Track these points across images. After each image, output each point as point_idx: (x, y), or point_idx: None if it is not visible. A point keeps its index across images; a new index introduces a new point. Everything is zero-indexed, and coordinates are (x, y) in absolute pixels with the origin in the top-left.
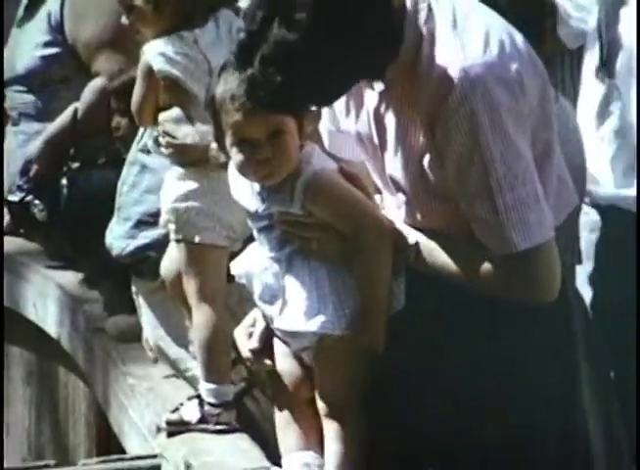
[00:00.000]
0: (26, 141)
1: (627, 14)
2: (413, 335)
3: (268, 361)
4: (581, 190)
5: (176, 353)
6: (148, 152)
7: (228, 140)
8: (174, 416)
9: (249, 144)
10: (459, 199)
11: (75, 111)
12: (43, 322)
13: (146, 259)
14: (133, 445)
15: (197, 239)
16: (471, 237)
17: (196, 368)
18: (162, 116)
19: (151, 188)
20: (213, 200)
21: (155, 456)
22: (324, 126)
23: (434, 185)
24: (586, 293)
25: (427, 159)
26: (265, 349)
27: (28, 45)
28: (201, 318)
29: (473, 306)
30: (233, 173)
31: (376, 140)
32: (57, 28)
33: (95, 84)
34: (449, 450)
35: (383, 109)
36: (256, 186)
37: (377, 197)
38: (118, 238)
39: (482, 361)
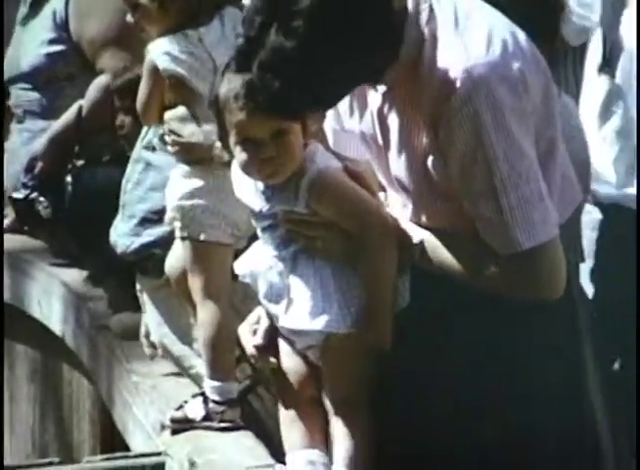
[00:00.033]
0: (31, 138)
1: (629, 15)
2: (418, 333)
3: (273, 359)
4: (586, 186)
5: (180, 351)
6: (152, 149)
7: (232, 139)
8: (178, 414)
9: (252, 143)
10: (463, 198)
11: (80, 108)
12: (47, 320)
13: (150, 257)
14: (137, 442)
15: (202, 237)
16: (475, 236)
17: (200, 366)
18: (168, 114)
19: (155, 186)
20: (219, 197)
21: (159, 454)
22: (328, 125)
23: (437, 185)
24: (588, 291)
25: (430, 159)
26: (270, 346)
27: (33, 43)
28: (205, 316)
29: (477, 305)
30: (236, 172)
31: (380, 140)
32: (62, 26)
33: (100, 82)
34: (455, 451)
35: (386, 109)
36: (260, 185)
37: (381, 195)
38: (123, 235)
39: (487, 360)
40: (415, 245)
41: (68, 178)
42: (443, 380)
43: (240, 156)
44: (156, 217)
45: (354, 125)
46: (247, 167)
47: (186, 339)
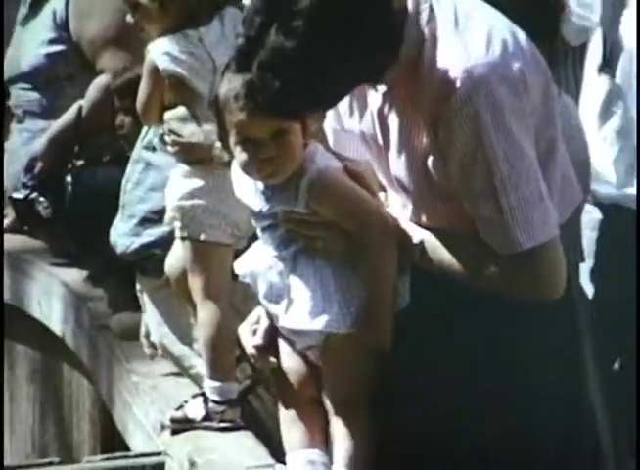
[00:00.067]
0: (31, 139)
1: (629, 15)
2: (418, 333)
3: (273, 359)
4: (586, 186)
5: (180, 351)
6: (152, 149)
7: (232, 139)
8: (178, 414)
9: (252, 143)
10: (463, 198)
11: (80, 108)
12: (47, 320)
13: (150, 257)
14: (137, 442)
15: (202, 237)
16: (475, 236)
17: (200, 366)
18: (168, 114)
19: (155, 186)
20: (219, 197)
21: (159, 454)
22: (328, 125)
23: (437, 185)
24: (588, 291)
25: (430, 159)
26: (270, 346)
27: (33, 43)
28: (205, 316)
29: (477, 305)
30: (236, 172)
31: (380, 140)
32: (62, 26)
33: (100, 82)
34: (455, 451)
35: (386, 109)
36: (260, 185)
37: (381, 195)
38: (123, 236)
39: (487, 360)
40: (415, 245)
41: (68, 178)
42: (443, 380)
43: (240, 156)
44: (156, 217)
45: (354, 125)
46: (247, 167)
47: (186, 339)
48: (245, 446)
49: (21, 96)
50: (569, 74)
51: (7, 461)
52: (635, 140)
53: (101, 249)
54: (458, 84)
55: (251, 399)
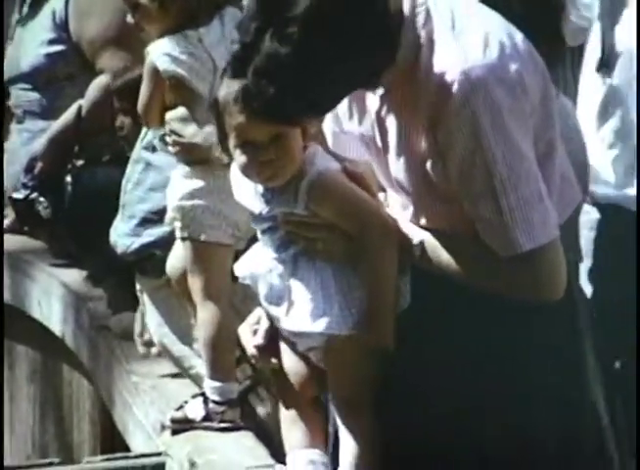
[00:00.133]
0: (31, 139)
1: (628, 15)
2: (419, 333)
3: (273, 359)
4: (584, 187)
5: (180, 351)
6: (152, 149)
7: (231, 142)
8: (179, 414)
9: (252, 146)
10: (462, 200)
11: (80, 108)
12: (47, 320)
13: (150, 257)
14: (137, 442)
15: (202, 237)
16: (475, 237)
17: (200, 366)
18: (169, 114)
19: (155, 186)
20: (219, 198)
21: (159, 454)
22: (328, 126)
23: (437, 187)
24: (586, 291)
25: (429, 161)
26: (270, 346)
27: (33, 43)
28: (205, 316)
29: (478, 305)
30: (236, 175)
31: (379, 142)
32: (61, 26)
33: (99, 82)
34: (456, 451)
35: (384, 112)
36: (260, 188)
37: (381, 195)
38: (123, 236)
39: (488, 360)
40: (415, 245)
41: (68, 178)
42: (444, 380)
43: (239, 158)
44: (156, 218)
45: (353, 127)
46: (246, 170)
47: (186, 339)
48: (245, 446)
49: (20, 96)
50: (567, 75)
51: (7, 462)
52: (634, 140)
53: (101, 249)
54: (456, 87)
55: (251, 399)
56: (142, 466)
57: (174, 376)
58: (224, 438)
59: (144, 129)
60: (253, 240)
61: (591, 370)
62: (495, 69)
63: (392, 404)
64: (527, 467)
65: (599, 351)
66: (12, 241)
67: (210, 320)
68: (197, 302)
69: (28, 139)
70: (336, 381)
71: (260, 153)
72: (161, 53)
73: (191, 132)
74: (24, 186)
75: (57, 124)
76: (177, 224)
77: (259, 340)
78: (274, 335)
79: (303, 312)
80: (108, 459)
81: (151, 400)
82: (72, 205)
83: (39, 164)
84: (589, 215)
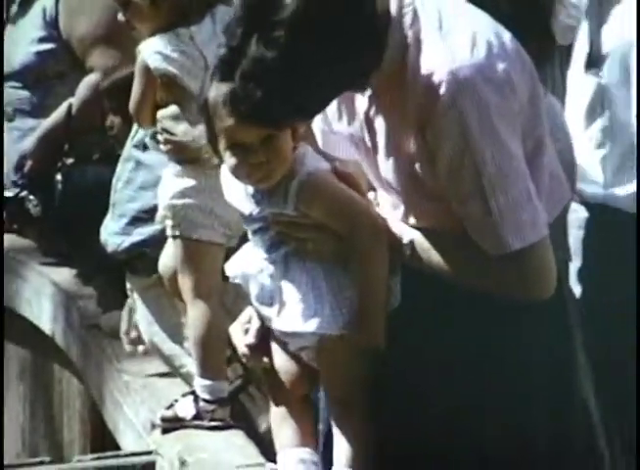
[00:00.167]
0: (21, 137)
1: (619, 12)
2: (410, 332)
3: (264, 358)
4: (572, 186)
5: (171, 350)
6: (143, 148)
7: (221, 144)
8: (169, 413)
9: (242, 148)
10: (451, 199)
11: (70, 107)
12: (37, 319)
13: (141, 256)
14: (128, 441)
15: (194, 236)
16: (465, 236)
17: (191, 365)
18: (161, 113)
19: (146, 184)
20: (211, 197)
21: (149, 453)
22: (317, 126)
23: (426, 187)
24: (575, 289)
25: (418, 161)
26: (261, 345)
27: (23, 41)
28: (196, 315)
29: (469, 304)
30: (226, 176)
31: (368, 143)
32: (52, 24)
33: (89, 80)
34: (447, 450)
35: (373, 113)
36: (250, 189)
37: (371, 195)
38: (113, 234)
39: (479, 359)
40: (405, 245)
41: (58, 177)
42: (435, 379)
43: (229, 161)
44: (146, 216)
45: (343, 128)
46: (236, 172)
47: (176, 338)
48: (235, 444)
49: (11, 94)
50: (555, 74)
51: None
52: (623, 140)
53: (91, 247)
54: (443, 87)
55: (241, 398)
56: (132, 465)
57: (165, 375)
58: (215, 436)
59: (134, 128)
60: (245, 239)
61: (581, 368)
62: (483, 68)
63: (385, 404)
64: (519, 464)
65: (589, 349)
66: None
67: (201, 319)
68: (187, 300)
69: (18, 137)
70: (328, 381)
71: (250, 155)
72: (153, 51)
73: (182, 130)
74: (14, 184)
75: (47, 123)
76: (168, 223)
77: (251, 339)
78: (265, 334)
79: (295, 313)
80: (98, 458)
81: (141, 399)
82: (62, 203)
83: (29, 163)
84: (577, 214)
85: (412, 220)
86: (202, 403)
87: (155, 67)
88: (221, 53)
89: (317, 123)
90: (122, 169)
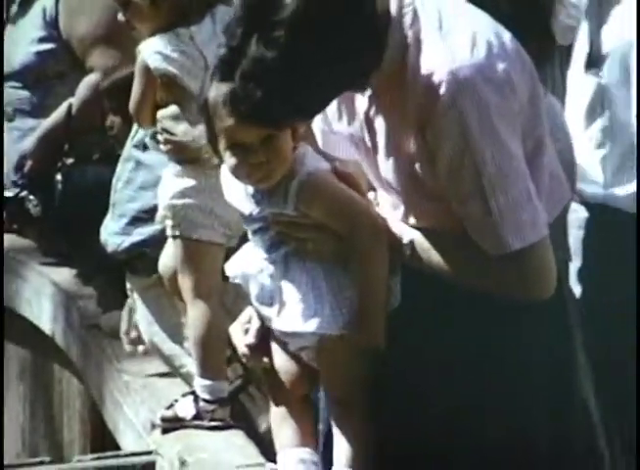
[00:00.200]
0: (21, 137)
1: (619, 12)
2: (410, 332)
3: (264, 358)
4: (572, 186)
5: (171, 350)
6: (143, 148)
7: (221, 144)
8: (169, 413)
9: (242, 148)
10: (451, 199)
11: (70, 107)
12: (37, 319)
13: (141, 256)
14: (128, 441)
15: (194, 236)
16: (465, 236)
17: (191, 365)
18: (161, 113)
19: (146, 184)
20: (211, 197)
21: (149, 453)
22: (317, 125)
23: (426, 187)
24: (575, 289)
25: (418, 161)
26: (261, 345)
27: (23, 41)
28: (196, 314)
29: (469, 304)
30: (226, 176)
31: (368, 143)
32: (52, 24)
33: (89, 80)
34: (447, 450)
35: (373, 113)
36: (250, 189)
37: (371, 194)
38: (113, 234)
39: (479, 359)
40: (405, 245)
41: (59, 177)
42: (435, 379)
43: (229, 161)
44: (146, 216)
45: (343, 128)
46: (236, 172)
47: (177, 338)
48: (235, 444)
49: (11, 94)
50: (555, 74)
51: None
52: (623, 140)
53: (91, 247)
54: (443, 87)
55: (242, 398)
56: (132, 465)
57: (164, 375)
58: (214, 436)
59: (134, 128)
60: (245, 239)
61: (582, 368)
62: (483, 68)
63: (386, 404)
64: (519, 464)
65: (589, 349)
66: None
67: (201, 319)
68: (187, 300)
69: (18, 137)
70: (328, 380)
71: (250, 155)
72: (153, 51)
73: (182, 130)
74: (14, 184)
75: (47, 122)
76: (168, 223)
77: (251, 339)
78: (265, 334)
79: (295, 313)
80: (98, 458)
81: (141, 399)
82: (62, 203)
83: (29, 163)
84: (577, 214)
85: (412, 220)
86: (202, 403)
87: (155, 67)
88: (221, 53)
89: (317, 123)
90: (122, 169)
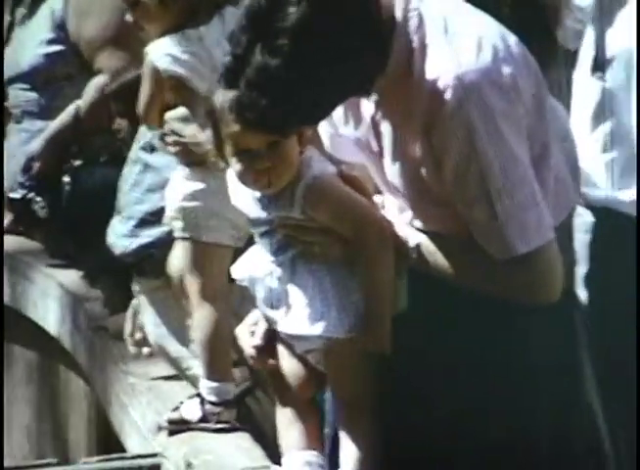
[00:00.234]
0: (29, 139)
1: (625, 16)
2: (416, 336)
3: (271, 360)
4: (576, 190)
5: (178, 352)
6: (150, 150)
7: (228, 150)
8: (175, 415)
9: (248, 154)
10: (457, 203)
11: (77, 108)
12: (44, 321)
13: (148, 258)
14: (134, 443)
15: (203, 238)
16: (471, 240)
17: (197, 367)
18: (169, 114)
19: (153, 187)
20: (219, 199)
21: (155, 455)
22: (324, 129)
23: (432, 191)
24: (581, 293)
25: (424, 166)
26: (268, 347)
27: (32, 43)
28: (202, 316)
29: (474, 308)
30: (232, 181)
31: (374, 147)
32: (60, 26)
33: (97, 82)
34: (452, 453)
35: (379, 117)
36: (257, 192)
37: (378, 198)
38: (121, 237)
39: (484, 362)
40: (412, 248)
41: (66, 178)
42: (441, 382)
43: (236, 166)
44: (154, 219)
45: (349, 132)
46: (243, 178)
47: (183, 340)
48: (241, 447)
49: (19, 96)
50: (561, 78)
51: (4, 462)
52: (629, 143)
53: (98, 249)
54: (449, 91)
55: (248, 400)
56: (138, 467)
57: (171, 377)
58: (220, 439)
59: (140, 130)
60: (252, 241)
61: (587, 371)
62: (489, 72)
63: (391, 407)
64: (523, 467)
65: (595, 352)
66: (9, 242)
67: (207, 321)
68: (194, 302)
69: (27, 139)
70: (335, 383)
71: (256, 161)
72: (163, 53)
73: (191, 132)
74: (22, 186)
75: (54, 124)
76: (177, 225)
77: (257, 341)
78: (272, 336)
79: (301, 316)
80: (104, 460)
81: (147, 401)
82: (70, 205)
83: (37, 164)
84: (583, 218)
85: (418, 224)
86: (208, 406)
87: (164, 68)
88: (226, 61)
89: (324, 127)
90: (130, 172)
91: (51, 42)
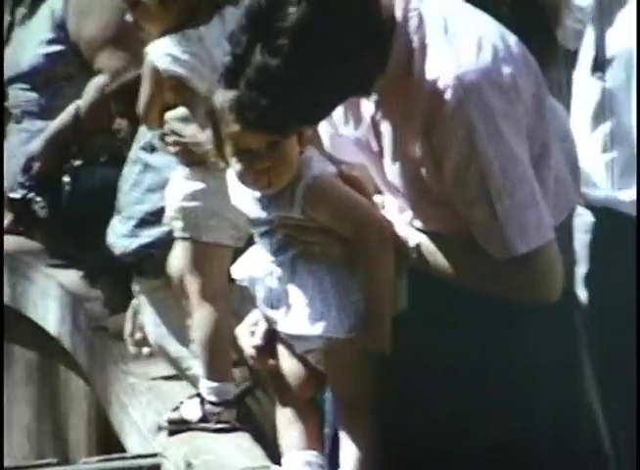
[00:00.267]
0: (29, 139)
1: (625, 16)
2: (416, 336)
3: (271, 360)
4: (576, 190)
5: (178, 352)
6: (150, 150)
7: (228, 150)
8: (175, 415)
9: (248, 154)
10: (457, 203)
11: (77, 108)
12: (44, 321)
13: (148, 258)
14: (134, 443)
15: (203, 238)
16: (471, 239)
17: (197, 367)
18: (169, 114)
19: (153, 187)
20: (219, 199)
21: (155, 455)
22: (324, 129)
23: (432, 191)
24: (581, 293)
25: (424, 166)
26: (268, 347)
27: (32, 42)
28: (202, 316)
29: (475, 307)
30: (232, 181)
31: (374, 147)
32: (60, 26)
33: (97, 82)
34: (452, 452)
35: (379, 117)
36: (256, 193)
37: (378, 198)
38: (121, 237)
39: (484, 362)
40: (412, 248)
41: (66, 178)
42: (441, 382)
43: (236, 166)
44: (154, 219)
45: (349, 132)
46: (243, 178)
47: (183, 340)
48: (241, 447)
49: (19, 96)
50: (561, 77)
51: (4, 462)
52: (629, 143)
53: (98, 249)
54: (449, 91)
55: (248, 400)
56: (138, 467)
57: (171, 377)
58: (220, 439)
59: (139, 130)
60: (252, 241)
61: (587, 371)
62: (489, 72)
63: (391, 407)
64: (523, 467)
65: (596, 352)
66: (9, 242)
67: (207, 320)
68: (194, 302)
69: (27, 139)
70: (336, 383)
71: (256, 161)
72: (163, 53)
73: (191, 132)
74: (22, 186)
75: (54, 124)
76: (178, 225)
77: (257, 341)
78: (272, 336)
79: (301, 316)
80: (104, 460)
81: (147, 401)
82: (70, 205)
83: (37, 164)
84: (583, 218)
85: (419, 224)
86: (208, 406)
87: (164, 68)
88: (226, 61)
89: (324, 126)
90: (130, 172)
91: (51, 42)
